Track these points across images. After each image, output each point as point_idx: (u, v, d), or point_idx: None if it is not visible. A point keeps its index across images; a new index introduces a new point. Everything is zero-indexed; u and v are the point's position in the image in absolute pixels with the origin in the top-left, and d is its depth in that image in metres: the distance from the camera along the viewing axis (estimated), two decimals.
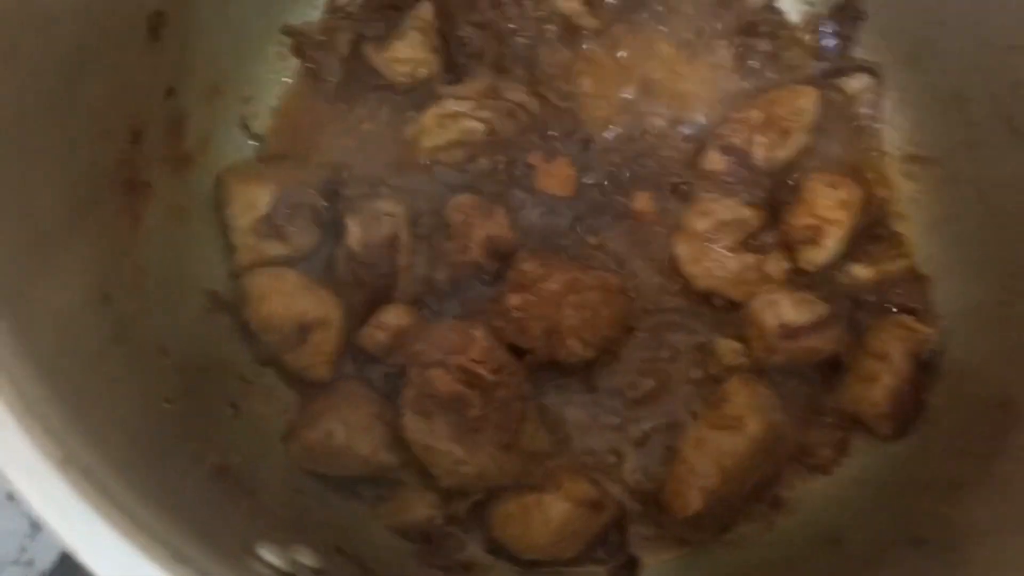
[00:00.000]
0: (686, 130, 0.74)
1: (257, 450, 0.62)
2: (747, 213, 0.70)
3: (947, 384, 0.66)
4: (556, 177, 0.73)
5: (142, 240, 0.57)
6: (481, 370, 0.64)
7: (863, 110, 0.75)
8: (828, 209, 0.70)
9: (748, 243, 0.70)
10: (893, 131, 0.75)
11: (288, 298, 0.67)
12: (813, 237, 0.69)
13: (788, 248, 0.71)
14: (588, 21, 0.76)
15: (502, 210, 0.70)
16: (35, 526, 0.69)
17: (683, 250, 0.71)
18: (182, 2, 0.58)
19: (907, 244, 0.72)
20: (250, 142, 0.72)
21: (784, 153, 0.72)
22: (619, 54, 0.76)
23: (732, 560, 0.65)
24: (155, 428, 0.47)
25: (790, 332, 0.67)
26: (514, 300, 0.67)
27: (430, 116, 0.71)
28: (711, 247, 0.70)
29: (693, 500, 0.64)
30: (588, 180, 0.73)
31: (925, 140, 0.73)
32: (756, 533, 0.67)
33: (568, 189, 0.73)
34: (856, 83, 0.75)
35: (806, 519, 0.66)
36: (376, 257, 0.68)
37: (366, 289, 0.69)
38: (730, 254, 0.70)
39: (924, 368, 0.67)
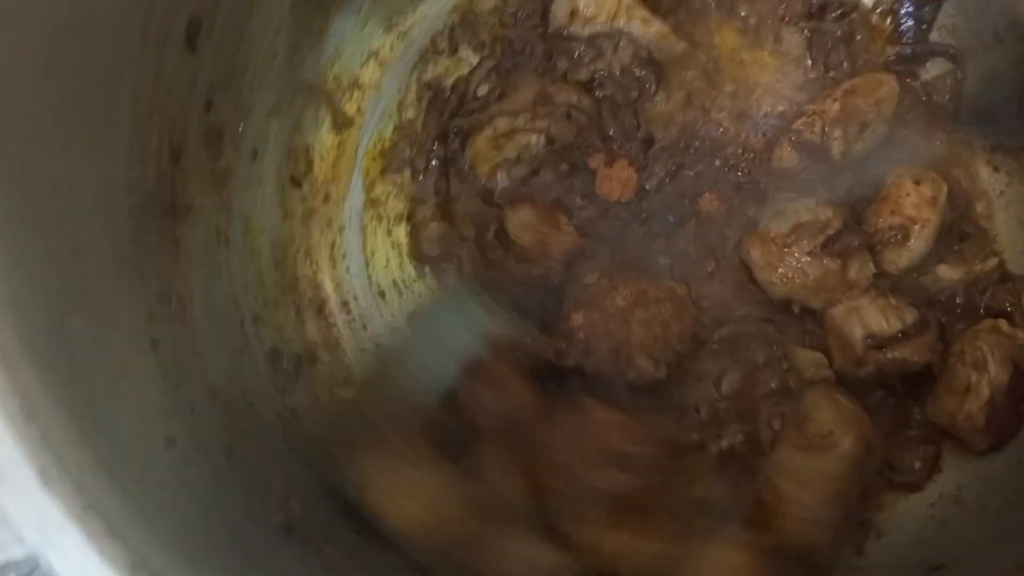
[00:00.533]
0: (755, 124, 0.69)
1: (313, 488, 0.58)
2: (827, 213, 0.65)
3: None
4: (616, 181, 0.68)
5: (182, 271, 0.53)
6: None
7: (943, 98, 0.70)
8: (914, 207, 0.64)
9: (828, 246, 0.65)
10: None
11: None
12: (898, 237, 0.64)
13: (870, 250, 0.65)
14: None
15: (563, 218, 0.65)
16: None
17: (757, 255, 0.65)
18: (217, 10, 0.53)
19: (996, 241, 0.67)
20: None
21: (863, 146, 0.67)
22: (680, 43, 0.70)
23: None
24: (219, 492, 0.43)
25: (877, 342, 0.62)
26: (577, 320, 0.63)
27: (482, 141, 0.66)
28: (788, 252, 0.65)
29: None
30: (650, 182, 0.68)
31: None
32: (844, 557, 0.62)
33: (629, 192, 0.68)
34: (935, 69, 0.70)
35: (898, 542, 0.62)
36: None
37: None
38: (809, 259, 0.64)
39: (1022, 377, 0.62)
